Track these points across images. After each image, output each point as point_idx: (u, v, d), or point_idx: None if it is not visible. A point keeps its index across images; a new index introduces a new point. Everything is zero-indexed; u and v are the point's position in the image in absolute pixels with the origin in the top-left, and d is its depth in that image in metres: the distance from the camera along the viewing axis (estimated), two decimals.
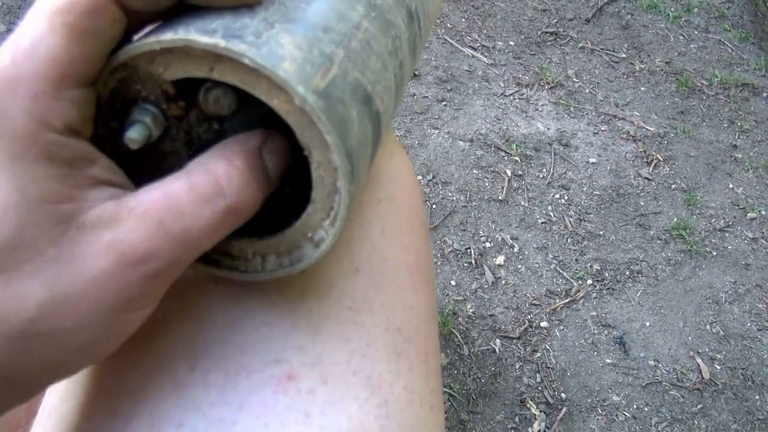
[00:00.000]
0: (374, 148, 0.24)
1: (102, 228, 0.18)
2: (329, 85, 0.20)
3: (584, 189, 1.73)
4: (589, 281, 1.52)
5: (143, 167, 0.22)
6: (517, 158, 1.75)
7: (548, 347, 1.38)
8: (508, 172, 1.71)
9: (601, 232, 1.63)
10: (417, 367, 0.28)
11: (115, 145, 0.21)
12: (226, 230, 0.20)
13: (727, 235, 1.70)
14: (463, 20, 2.18)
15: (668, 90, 2.10)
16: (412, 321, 0.30)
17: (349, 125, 0.20)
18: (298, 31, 0.20)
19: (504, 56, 2.08)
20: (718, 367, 1.40)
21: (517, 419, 1.25)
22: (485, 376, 1.30)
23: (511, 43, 2.14)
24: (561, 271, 1.52)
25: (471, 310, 1.41)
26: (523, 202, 1.65)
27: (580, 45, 2.19)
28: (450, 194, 1.63)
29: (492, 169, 1.71)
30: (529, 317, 1.42)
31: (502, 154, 1.76)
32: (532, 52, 2.12)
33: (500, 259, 1.51)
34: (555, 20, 2.27)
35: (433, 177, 1.66)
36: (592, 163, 1.80)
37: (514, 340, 1.38)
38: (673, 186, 1.79)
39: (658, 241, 1.64)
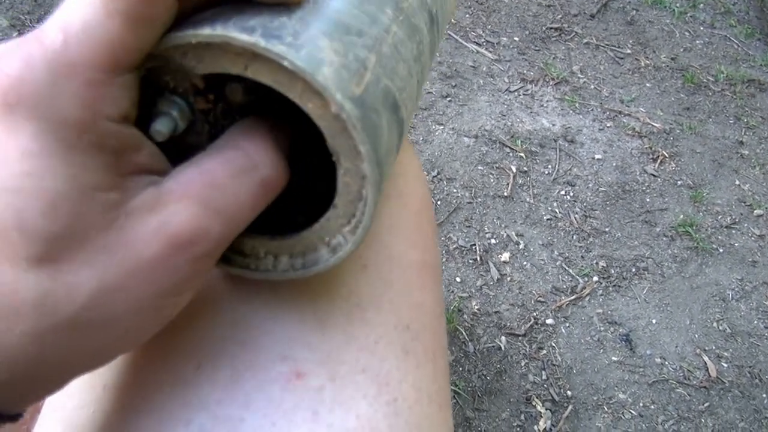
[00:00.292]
0: (396, 155, 0.24)
1: (148, 213, 0.18)
2: (364, 92, 0.19)
3: (590, 185, 1.72)
4: (595, 278, 1.51)
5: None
6: (522, 154, 1.74)
7: (554, 344, 1.37)
8: (513, 169, 1.70)
9: (606, 229, 1.62)
10: (425, 365, 0.28)
11: None
12: (263, 204, 0.20)
13: (733, 232, 1.69)
14: (467, 16, 2.17)
15: (674, 86, 2.09)
16: (419, 318, 0.29)
17: (380, 134, 0.20)
18: (335, 34, 0.19)
19: (508, 52, 2.06)
20: (725, 365, 1.39)
21: (522, 417, 1.25)
22: (490, 374, 1.30)
23: (516, 38, 2.12)
24: (567, 268, 1.51)
25: (476, 307, 1.40)
26: (528, 199, 1.64)
27: (585, 41, 2.18)
28: (455, 190, 1.62)
29: (497, 165, 1.70)
30: (534, 314, 1.41)
31: (507, 150, 1.75)
32: (537, 48, 2.11)
33: (505, 256, 1.50)
34: (560, 16, 2.26)
35: (438, 173, 1.65)
36: (598, 159, 1.79)
37: (520, 338, 1.37)
38: (679, 182, 1.78)
39: (665, 238, 1.63)
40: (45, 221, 0.16)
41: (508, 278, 1.46)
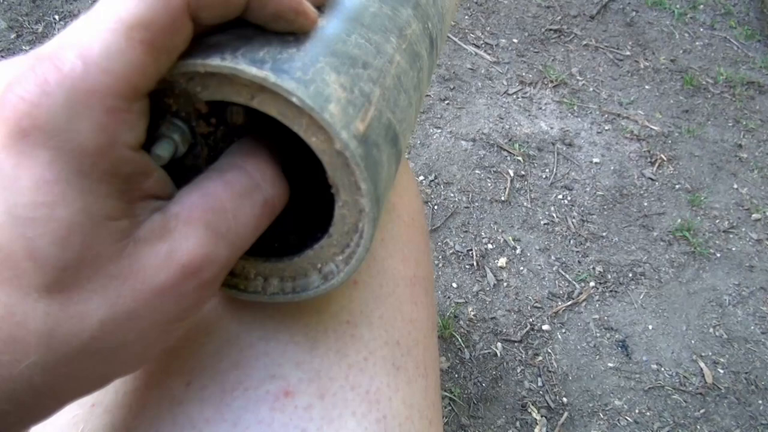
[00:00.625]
0: (392, 185, 0.24)
1: (156, 240, 0.17)
2: (367, 128, 0.19)
3: (587, 189, 1.71)
4: (592, 283, 1.51)
5: None
6: (519, 158, 1.74)
7: (550, 351, 1.37)
8: (511, 173, 1.70)
9: (604, 234, 1.62)
10: (416, 381, 0.28)
11: None
12: (266, 225, 0.20)
13: (731, 236, 1.68)
14: (466, 17, 2.16)
15: (673, 88, 2.08)
16: (411, 333, 0.29)
17: (381, 170, 0.20)
18: (341, 67, 0.19)
19: (507, 54, 2.06)
20: (722, 371, 1.39)
21: (518, 424, 1.25)
22: (486, 380, 1.30)
23: (515, 40, 2.12)
24: (563, 273, 1.51)
25: (472, 313, 1.40)
26: (525, 203, 1.64)
27: (584, 42, 2.17)
28: (452, 195, 1.61)
29: (494, 169, 1.70)
30: (530, 320, 1.41)
31: (505, 154, 1.74)
32: (536, 50, 2.10)
33: (502, 261, 1.50)
34: (559, 17, 2.25)
35: (435, 177, 1.65)
36: (596, 163, 1.78)
37: (516, 344, 1.37)
38: (677, 186, 1.78)
39: (662, 243, 1.63)
40: (57, 250, 0.16)
41: (505, 284, 1.46)
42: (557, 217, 1.63)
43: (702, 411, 1.33)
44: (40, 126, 0.15)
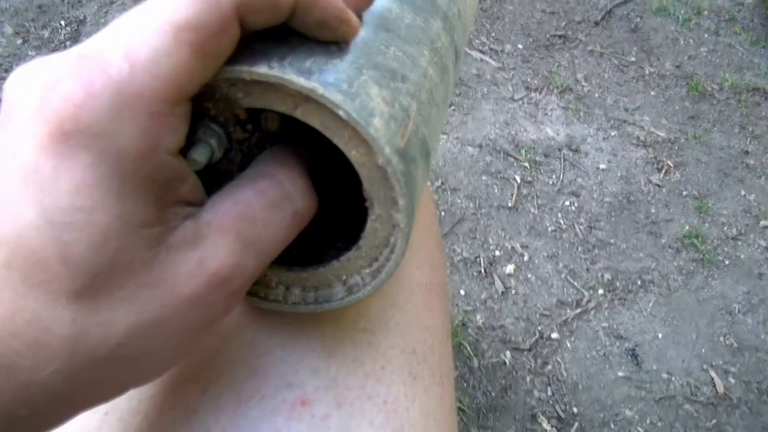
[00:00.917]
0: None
1: (188, 248, 0.17)
2: (407, 143, 0.19)
3: (594, 196, 1.70)
4: (601, 291, 1.49)
5: None
6: (526, 164, 1.72)
7: (559, 360, 1.35)
8: (518, 179, 1.68)
9: (612, 241, 1.61)
10: (432, 389, 0.28)
11: None
12: (293, 236, 0.20)
13: (739, 243, 1.67)
14: None
15: (678, 94, 2.07)
16: (427, 341, 0.29)
17: (416, 185, 0.20)
18: (383, 80, 0.19)
19: (513, 60, 2.05)
20: (733, 381, 1.38)
21: None
22: (495, 390, 1.28)
23: (520, 46, 2.11)
24: (571, 281, 1.50)
25: (481, 321, 1.38)
26: (532, 210, 1.63)
27: (589, 48, 2.16)
28: (459, 201, 1.60)
29: (501, 175, 1.68)
30: (539, 328, 1.39)
31: (512, 160, 1.73)
32: (541, 56, 2.09)
33: (510, 268, 1.48)
34: (563, 23, 2.24)
35: (442, 183, 1.63)
36: (602, 169, 1.77)
37: (525, 352, 1.35)
38: (684, 193, 1.77)
39: (670, 250, 1.62)
40: (91, 256, 0.15)
41: (513, 291, 1.45)
42: (564, 223, 1.61)
43: (714, 422, 1.31)
44: (84, 129, 0.15)
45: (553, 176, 1.72)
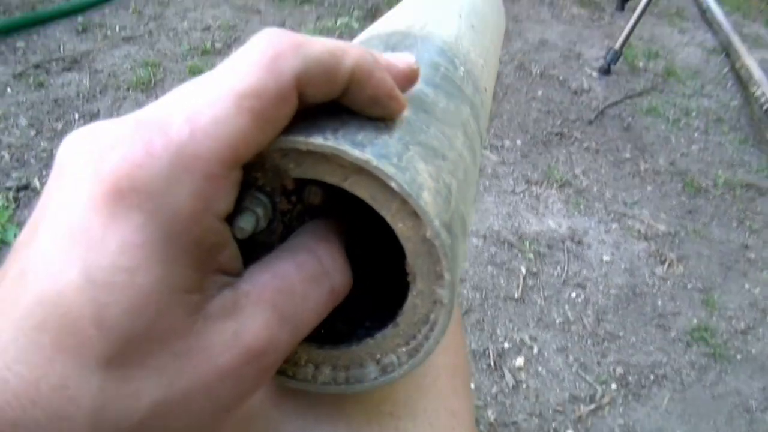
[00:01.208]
0: None
1: (225, 318, 0.17)
2: (450, 219, 0.19)
3: (600, 288, 1.69)
4: (614, 386, 1.44)
5: None
6: (530, 255, 1.72)
7: None
8: (523, 270, 1.68)
9: (620, 333, 1.58)
10: None
11: None
12: (327, 313, 0.19)
13: (749, 337, 1.64)
14: None
15: (674, 189, 2.12)
16: (454, 429, 0.28)
17: (458, 261, 0.20)
18: (428, 158, 0.20)
19: (512, 155, 2.11)
20: None
21: None
22: None
23: (519, 142, 2.18)
24: (583, 375, 1.45)
25: (492, 417, 1.32)
26: (539, 301, 1.61)
27: (585, 145, 2.24)
28: (465, 291, 1.58)
29: (506, 266, 1.68)
30: (554, 425, 1.33)
31: (516, 251, 1.73)
32: (539, 152, 2.16)
33: (520, 361, 1.44)
34: (559, 121, 2.33)
35: None
36: (606, 261, 1.77)
37: None
38: (689, 286, 1.76)
39: (680, 344, 1.59)
40: (128, 320, 0.15)
41: (524, 385, 1.40)
42: (572, 315, 1.59)
43: None
44: (139, 188, 0.15)
45: (558, 268, 1.72)
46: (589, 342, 1.54)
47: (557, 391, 1.40)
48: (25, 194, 1.63)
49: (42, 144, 1.78)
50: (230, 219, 0.18)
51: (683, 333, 1.62)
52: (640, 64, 2.77)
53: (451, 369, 0.30)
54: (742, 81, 2.68)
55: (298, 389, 0.23)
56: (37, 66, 2.07)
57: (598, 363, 1.49)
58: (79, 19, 2.37)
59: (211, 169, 0.16)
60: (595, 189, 2.04)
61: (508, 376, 1.40)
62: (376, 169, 0.17)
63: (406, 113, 0.21)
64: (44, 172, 1.70)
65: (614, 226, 1.91)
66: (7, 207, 1.57)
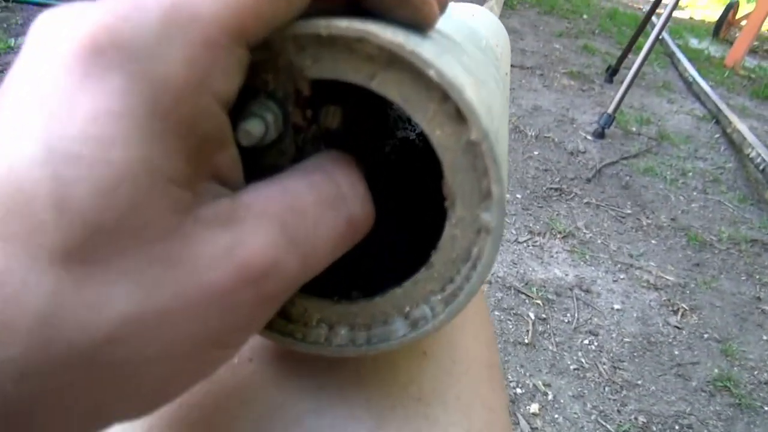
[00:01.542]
0: None
1: (220, 227, 0.14)
2: (496, 132, 0.17)
3: (613, 336, 1.60)
4: None
5: None
6: (539, 302, 1.64)
7: None
8: (532, 316, 1.59)
9: (639, 382, 1.47)
10: None
11: None
12: (343, 249, 0.17)
13: None
14: None
15: (679, 244, 2.08)
16: (493, 427, 0.23)
17: (505, 182, 0.17)
18: (466, 70, 0.17)
19: (513, 207, 2.07)
20: None
21: None
22: None
23: (518, 196, 2.15)
24: (604, 423, 1.33)
25: None
26: (550, 347, 1.51)
27: (585, 200, 2.21)
28: None
29: (514, 311, 1.59)
30: None
31: (523, 297, 1.65)
32: (540, 205, 2.13)
33: (534, 408, 1.33)
34: (558, 178, 2.32)
35: None
36: (617, 309, 1.70)
37: None
38: (705, 336, 1.68)
39: (703, 393, 1.48)
40: (96, 203, 0.12)
41: None
42: (586, 362, 1.49)
43: None
44: (122, 44, 0.12)
45: (568, 315, 1.63)
46: (606, 389, 1.43)
47: None
48: None
49: None
50: (234, 123, 0.15)
51: (704, 383, 1.52)
52: (633, 129, 2.81)
53: (485, 362, 0.26)
54: (735, 144, 2.72)
55: (305, 366, 0.20)
56: None
57: (619, 411, 1.38)
58: None
59: (211, 33, 0.13)
60: (599, 241, 1.99)
61: (523, 423, 1.29)
62: (412, 54, 0.15)
63: (436, 35, 0.18)
64: None
65: (622, 276, 1.84)
66: None
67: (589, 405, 1.37)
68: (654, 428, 1.36)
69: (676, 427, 1.37)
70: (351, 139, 0.20)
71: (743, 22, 4.43)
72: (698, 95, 3.26)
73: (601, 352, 1.54)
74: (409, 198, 0.24)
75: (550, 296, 1.68)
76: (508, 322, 1.56)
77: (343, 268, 0.19)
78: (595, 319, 1.64)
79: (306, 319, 0.19)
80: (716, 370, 1.56)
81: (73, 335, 0.12)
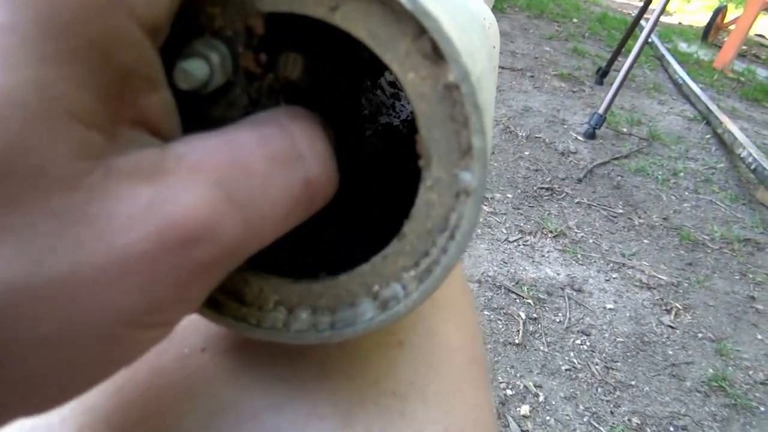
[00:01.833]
0: None
1: (140, 180, 0.11)
2: (479, 80, 0.15)
3: (606, 335, 1.56)
4: None
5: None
6: (529, 301, 1.61)
7: None
8: (523, 315, 1.56)
9: (632, 382, 1.44)
10: None
11: None
12: (300, 215, 0.15)
13: None
14: None
15: (671, 243, 2.05)
16: (477, 424, 0.21)
17: (489, 142, 0.16)
18: (448, 11, 0.15)
19: (503, 206, 2.04)
20: None
21: None
22: None
23: (509, 195, 2.12)
24: (596, 425, 1.30)
25: None
26: (542, 347, 1.47)
27: (577, 200, 2.19)
28: None
29: (504, 311, 1.56)
30: None
31: (514, 296, 1.62)
32: (531, 205, 2.10)
33: (525, 409, 1.29)
34: (549, 178, 2.29)
35: None
36: (610, 309, 1.66)
37: None
38: (700, 335, 1.65)
39: (698, 394, 1.45)
40: None
41: None
42: (579, 363, 1.46)
43: None
44: None
45: (560, 314, 1.60)
46: (599, 390, 1.39)
47: None
48: None
49: None
50: (174, 63, 0.14)
51: (699, 383, 1.48)
52: (624, 130, 2.79)
53: (467, 353, 0.24)
54: (726, 145, 2.70)
55: (265, 356, 0.18)
56: None
57: (612, 413, 1.34)
58: None
59: None
60: (590, 240, 1.96)
61: (513, 426, 1.25)
62: None
63: None
64: None
65: (615, 275, 1.81)
66: None
67: (581, 406, 1.34)
68: (648, 430, 1.32)
69: (671, 429, 1.34)
70: (317, 96, 0.18)
71: (731, 26, 4.44)
72: (688, 97, 3.25)
73: (593, 352, 1.50)
74: (391, 182, 0.23)
75: (541, 296, 1.64)
76: (499, 321, 1.52)
77: (314, 250, 0.17)
78: (588, 319, 1.61)
79: (262, 302, 0.17)
80: (711, 370, 1.53)
81: None
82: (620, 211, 2.18)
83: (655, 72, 3.71)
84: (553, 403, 1.33)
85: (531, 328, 1.52)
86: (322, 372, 0.19)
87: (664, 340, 1.60)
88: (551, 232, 1.95)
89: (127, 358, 0.13)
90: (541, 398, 1.33)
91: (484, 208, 2.00)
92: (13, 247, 0.10)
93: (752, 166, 2.40)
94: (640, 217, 2.17)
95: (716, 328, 1.69)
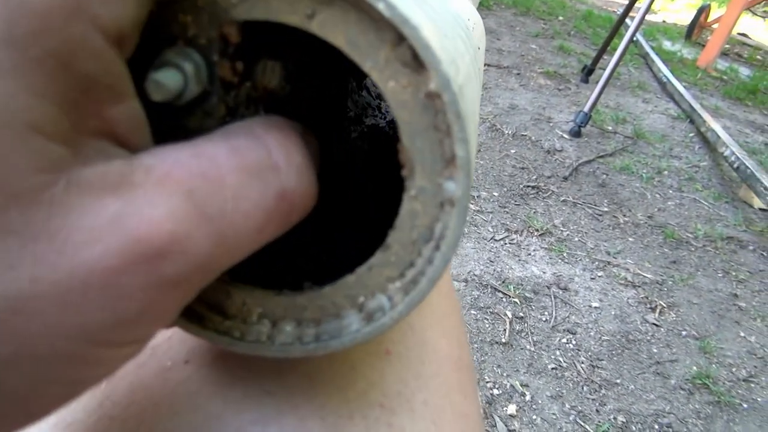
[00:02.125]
0: None
1: (106, 193, 0.11)
2: (462, 87, 0.14)
3: (591, 334, 1.57)
4: None
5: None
6: (516, 300, 1.61)
7: None
8: (509, 314, 1.56)
9: (618, 381, 1.45)
10: None
11: None
12: (276, 229, 0.14)
13: (752, 385, 1.53)
14: None
15: (656, 241, 2.06)
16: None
17: (473, 150, 0.15)
18: (430, 16, 0.15)
19: (490, 205, 2.04)
20: None
21: None
22: None
23: (495, 194, 2.12)
24: (583, 424, 1.30)
25: None
26: (528, 346, 1.48)
27: (562, 198, 2.19)
28: None
29: (491, 310, 1.56)
30: None
31: (500, 295, 1.62)
32: (517, 203, 2.10)
33: (512, 409, 1.29)
34: (534, 177, 2.30)
35: None
36: (595, 307, 1.67)
37: None
38: (684, 333, 1.66)
39: (682, 392, 1.46)
40: None
41: None
42: (564, 361, 1.46)
43: None
44: None
45: (546, 313, 1.60)
46: (585, 389, 1.40)
47: None
48: None
49: None
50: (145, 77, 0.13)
51: (683, 380, 1.49)
52: (609, 128, 2.81)
53: (455, 361, 0.24)
54: (710, 143, 2.73)
55: (250, 369, 0.18)
56: None
57: (598, 411, 1.34)
58: None
59: None
60: (576, 239, 1.97)
61: (500, 425, 1.25)
62: None
63: None
64: None
65: (600, 273, 1.82)
66: None
67: (567, 405, 1.34)
68: (633, 428, 1.33)
69: (656, 426, 1.35)
70: (297, 105, 0.18)
71: (715, 25, 4.48)
72: (672, 95, 3.28)
73: (579, 350, 1.51)
74: (379, 187, 0.22)
75: (527, 294, 1.65)
76: (485, 321, 1.52)
77: (299, 261, 0.17)
78: (573, 318, 1.61)
79: (245, 315, 0.17)
80: (695, 367, 1.54)
81: None
82: (605, 209, 2.19)
83: (640, 70, 3.73)
84: (540, 402, 1.33)
85: (517, 327, 1.52)
86: (310, 384, 0.19)
87: (648, 338, 1.61)
88: (537, 230, 1.95)
89: (97, 376, 0.13)
90: (527, 397, 1.33)
91: (471, 207, 2.00)
92: None
93: (735, 165, 2.42)
94: (625, 215, 2.18)
95: (700, 325, 1.70)
